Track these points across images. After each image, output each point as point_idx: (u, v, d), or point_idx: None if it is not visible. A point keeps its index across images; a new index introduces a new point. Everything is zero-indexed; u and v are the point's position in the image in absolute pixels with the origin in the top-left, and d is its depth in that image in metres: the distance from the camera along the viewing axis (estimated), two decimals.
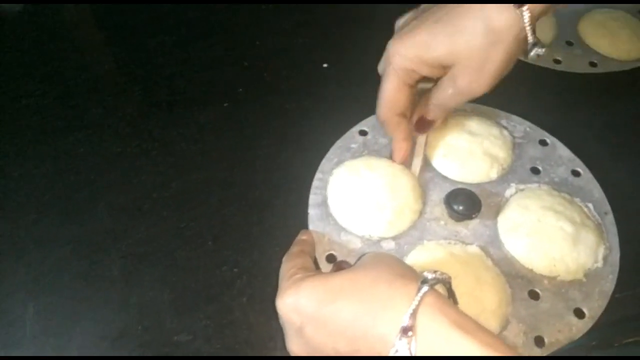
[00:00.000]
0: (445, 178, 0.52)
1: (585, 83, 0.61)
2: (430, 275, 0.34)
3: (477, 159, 0.52)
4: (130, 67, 0.61)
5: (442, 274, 0.35)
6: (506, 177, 0.53)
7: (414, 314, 0.32)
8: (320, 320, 0.35)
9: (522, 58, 0.48)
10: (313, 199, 0.50)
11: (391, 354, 0.31)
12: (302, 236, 0.47)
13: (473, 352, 0.30)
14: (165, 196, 0.51)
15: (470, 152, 0.52)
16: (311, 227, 0.48)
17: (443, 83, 0.45)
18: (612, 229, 0.50)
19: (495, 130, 0.54)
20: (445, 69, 0.44)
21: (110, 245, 0.48)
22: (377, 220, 0.48)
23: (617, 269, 0.47)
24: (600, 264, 0.47)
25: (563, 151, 0.55)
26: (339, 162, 0.52)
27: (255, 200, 0.51)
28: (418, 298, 0.32)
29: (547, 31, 0.64)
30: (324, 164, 0.52)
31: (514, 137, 0.55)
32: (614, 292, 0.46)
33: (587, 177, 0.53)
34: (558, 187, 0.52)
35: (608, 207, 0.51)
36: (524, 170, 0.53)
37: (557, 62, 0.62)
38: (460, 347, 0.31)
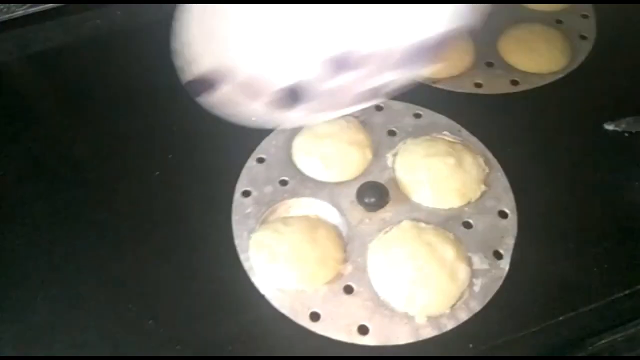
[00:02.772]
0: (338, 184, 0.55)
1: (508, 103, 0.63)
2: None
3: (349, 152, 0.56)
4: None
5: None
6: (377, 152, 0.57)
7: None
8: None
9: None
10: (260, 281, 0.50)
11: None
12: None
13: None
14: (103, 280, 0.51)
15: (339, 150, 0.56)
16: None
17: None
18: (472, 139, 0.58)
19: (340, 122, 0.58)
20: None
21: (50, 338, 0.48)
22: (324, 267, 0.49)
23: (498, 165, 0.56)
24: (486, 169, 0.56)
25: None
26: (252, 232, 0.52)
27: (194, 270, 0.51)
28: None
29: (465, 55, 0.65)
30: (240, 243, 0.52)
31: (357, 117, 0.59)
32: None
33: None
34: (412, 133, 0.59)
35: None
36: (384, 136, 0.59)
37: (478, 85, 0.63)
38: None
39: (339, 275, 0.49)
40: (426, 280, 0.47)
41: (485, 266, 0.49)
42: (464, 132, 0.59)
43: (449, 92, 0.63)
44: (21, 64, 0.71)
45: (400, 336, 0.46)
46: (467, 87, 0.63)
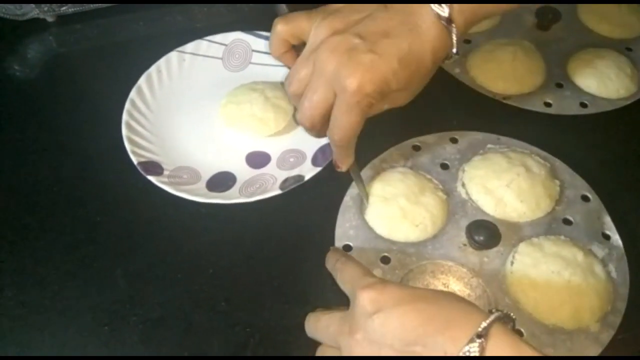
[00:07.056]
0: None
1: (577, 124, 0.64)
2: (497, 313, 0.36)
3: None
4: None
5: (508, 313, 0.37)
6: None
7: (488, 327, 0.35)
8: (398, 310, 0.38)
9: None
10: None
11: (461, 352, 0.34)
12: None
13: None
14: (178, 260, 0.54)
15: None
16: None
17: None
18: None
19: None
20: None
21: (129, 311, 0.50)
22: None
23: None
24: None
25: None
26: None
27: (264, 259, 0.54)
28: (492, 317, 0.35)
29: (536, 74, 0.67)
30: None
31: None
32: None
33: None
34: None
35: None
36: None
37: (548, 104, 0.65)
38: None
39: None
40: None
41: None
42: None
43: (521, 109, 0.64)
44: None
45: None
46: (537, 105, 0.64)
